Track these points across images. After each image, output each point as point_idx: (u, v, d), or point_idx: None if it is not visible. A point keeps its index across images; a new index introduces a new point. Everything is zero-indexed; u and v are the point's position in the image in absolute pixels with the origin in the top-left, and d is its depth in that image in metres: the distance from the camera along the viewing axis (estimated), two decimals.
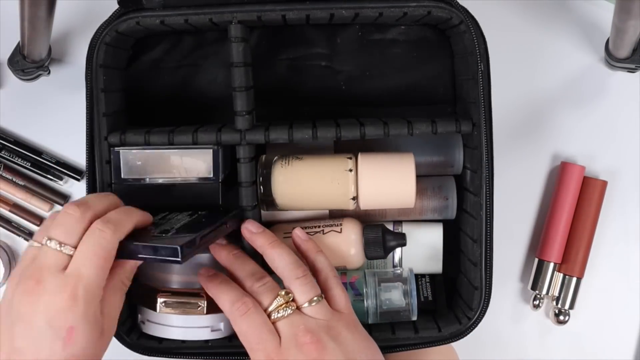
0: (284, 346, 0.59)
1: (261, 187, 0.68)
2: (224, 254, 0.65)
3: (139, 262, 0.60)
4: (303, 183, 0.68)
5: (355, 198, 0.68)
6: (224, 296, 0.62)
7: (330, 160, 0.68)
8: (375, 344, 0.63)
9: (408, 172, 0.67)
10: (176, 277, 0.67)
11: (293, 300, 0.60)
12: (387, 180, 0.67)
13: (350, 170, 0.67)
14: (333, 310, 0.61)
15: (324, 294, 0.62)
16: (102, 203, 0.59)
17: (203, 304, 0.66)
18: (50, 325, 0.54)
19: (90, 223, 0.57)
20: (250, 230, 0.65)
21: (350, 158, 0.68)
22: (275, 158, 0.69)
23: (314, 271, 0.64)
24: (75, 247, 0.56)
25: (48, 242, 0.56)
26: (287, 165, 0.68)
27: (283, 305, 0.60)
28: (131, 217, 0.59)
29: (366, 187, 0.67)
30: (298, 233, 0.67)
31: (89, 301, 0.55)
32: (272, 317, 0.60)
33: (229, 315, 0.61)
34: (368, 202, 0.68)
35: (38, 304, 0.54)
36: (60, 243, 0.55)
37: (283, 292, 0.60)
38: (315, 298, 0.60)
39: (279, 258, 0.62)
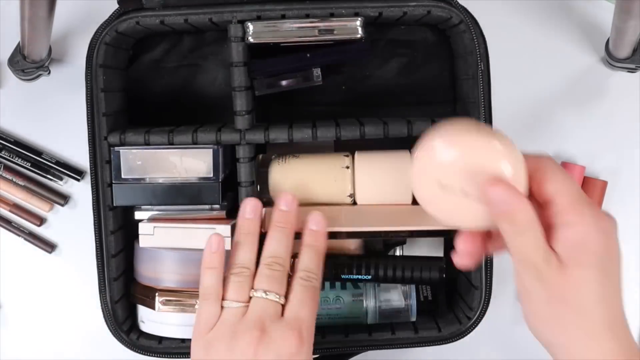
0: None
1: (258, 186, 0.68)
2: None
3: None
4: (300, 181, 0.68)
5: (352, 195, 0.68)
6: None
7: (327, 157, 0.68)
8: None
9: (404, 169, 0.67)
10: (175, 276, 0.67)
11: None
12: (383, 177, 0.67)
13: (347, 167, 0.67)
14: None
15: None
16: (288, 252, 0.63)
17: None
18: None
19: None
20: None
21: (347, 155, 0.68)
22: (273, 157, 0.69)
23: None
24: (285, 295, 0.60)
25: (264, 294, 0.60)
26: (284, 164, 0.68)
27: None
28: (320, 261, 0.63)
29: (363, 183, 0.67)
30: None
31: (310, 340, 0.60)
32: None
33: None
34: (365, 198, 0.68)
35: (268, 351, 0.57)
36: (277, 294, 0.60)
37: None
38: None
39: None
